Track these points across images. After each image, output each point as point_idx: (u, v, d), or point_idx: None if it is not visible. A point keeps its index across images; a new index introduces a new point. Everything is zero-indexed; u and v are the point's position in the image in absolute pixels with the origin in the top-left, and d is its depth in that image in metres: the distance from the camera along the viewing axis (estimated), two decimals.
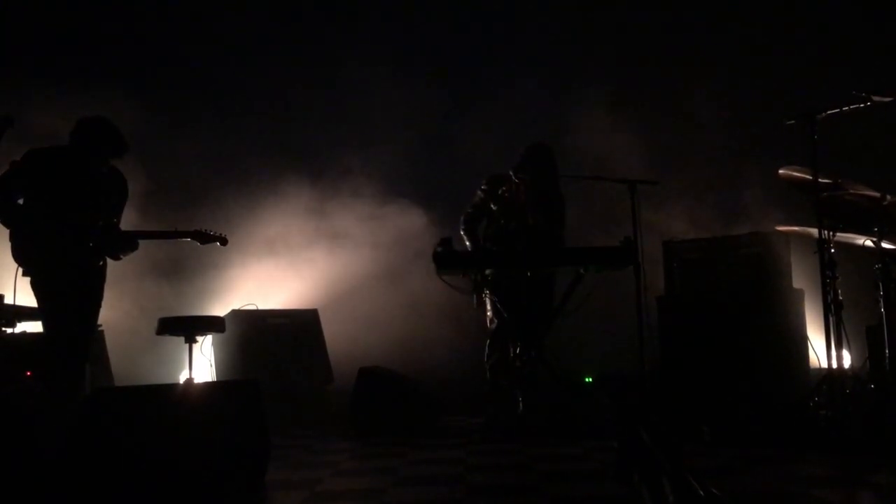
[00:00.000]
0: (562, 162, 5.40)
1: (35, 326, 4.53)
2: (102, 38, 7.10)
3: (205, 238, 4.98)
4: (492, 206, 5.43)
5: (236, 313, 6.42)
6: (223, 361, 6.30)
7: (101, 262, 4.55)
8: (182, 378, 5.78)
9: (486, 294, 5.24)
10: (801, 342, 5.18)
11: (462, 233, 5.49)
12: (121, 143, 4.61)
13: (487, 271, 4.95)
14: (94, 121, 4.56)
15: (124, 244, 4.67)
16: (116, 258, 4.70)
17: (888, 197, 4.44)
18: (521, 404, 5.27)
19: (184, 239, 4.91)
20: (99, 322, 6.02)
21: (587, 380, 5.81)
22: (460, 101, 7.37)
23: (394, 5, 7.53)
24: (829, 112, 4.38)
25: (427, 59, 7.42)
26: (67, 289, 4.33)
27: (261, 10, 7.26)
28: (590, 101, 7.06)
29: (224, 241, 5.07)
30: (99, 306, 4.58)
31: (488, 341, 5.39)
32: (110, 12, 7.05)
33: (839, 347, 4.39)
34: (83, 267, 4.44)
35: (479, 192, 5.51)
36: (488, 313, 5.38)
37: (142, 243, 4.75)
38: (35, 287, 4.33)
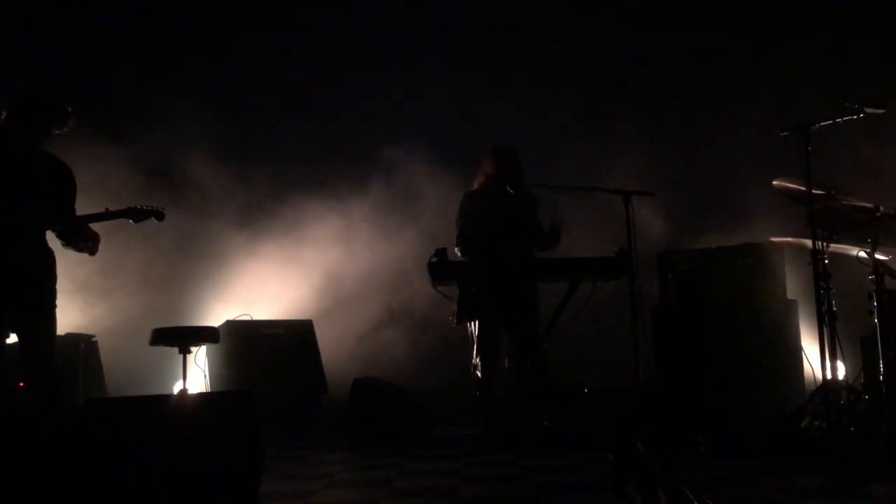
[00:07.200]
0: (558, 172, 5.42)
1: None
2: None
3: (139, 214, 4.49)
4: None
5: (230, 324, 6.41)
6: (217, 372, 6.29)
7: (32, 255, 4.10)
8: (176, 389, 5.76)
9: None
10: (796, 353, 5.19)
11: (460, 252, 5.38)
12: (56, 110, 4.14)
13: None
14: (20, 95, 4.09)
15: (82, 231, 4.27)
16: (80, 248, 4.30)
17: (881, 208, 4.46)
18: (516, 415, 5.26)
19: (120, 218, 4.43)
20: (93, 332, 6.05)
21: (584, 390, 5.81)
22: (459, 109, 7.38)
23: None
24: (822, 123, 4.40)
25: (423, 71, 7.44)
26: None
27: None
28: (586, 111, 7.09)
29: (160, 216, 4.58)
30: (42, 309, 4.13)
31: (474, 351, 5.36)
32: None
33: (833, 358, 4.39)
34: (6, 267, 4.01)
35: (460, 213, 5.45)
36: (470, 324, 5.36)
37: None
38: None
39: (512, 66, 7.38)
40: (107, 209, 4.36)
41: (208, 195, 7.03)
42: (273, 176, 7.17)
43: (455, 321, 5.21)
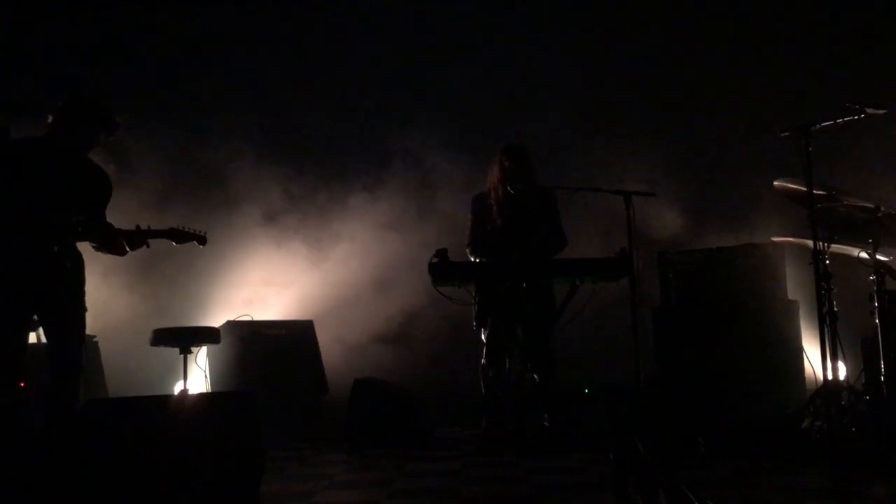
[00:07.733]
0: (559, 173, 5.41)
1: (30, 337, 4.48)
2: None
3: (181, 237, 4.45)
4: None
5: (231, 324, 6.40)
6: (218, 372, 6.28)
7: (69, 265, 4.09)
8: (177, 389, 5.76)
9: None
10: (796, 353, 5.19)
11: (469, 253, 5.42)
12: (105, 119, 4.16)
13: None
14: (71, 101, 4.12)
15: (114, 239, 4.27)
16: (118, 252, 4.29)
17: (882, 208, 4.46)
18: (516, 416, 5.25)
19: (159, 239, 4.40)
20: (93, 333, 6.04)
21: (585, 391, 5.81)
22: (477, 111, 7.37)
23: None
24: (823, 124, 4.40)
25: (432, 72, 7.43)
26: (11, 294, 3.93)
27: None
28: (587, 111, 7.09)
29: (202, 240, 4.56)
30: (75, 311, 4.12)
31: (485, 350, 5.36)
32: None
33: (834, 359, 4.39)
34: (40, 271, 3.98)
35: (470, 217, 5.46)
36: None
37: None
38: None
39: (512, 65, 7.38)
40: (149, 227, 4.33)
41: (210, 195, 7.02)
42: (274, 175, 7.16)
43: (475, 325, 5.25)
